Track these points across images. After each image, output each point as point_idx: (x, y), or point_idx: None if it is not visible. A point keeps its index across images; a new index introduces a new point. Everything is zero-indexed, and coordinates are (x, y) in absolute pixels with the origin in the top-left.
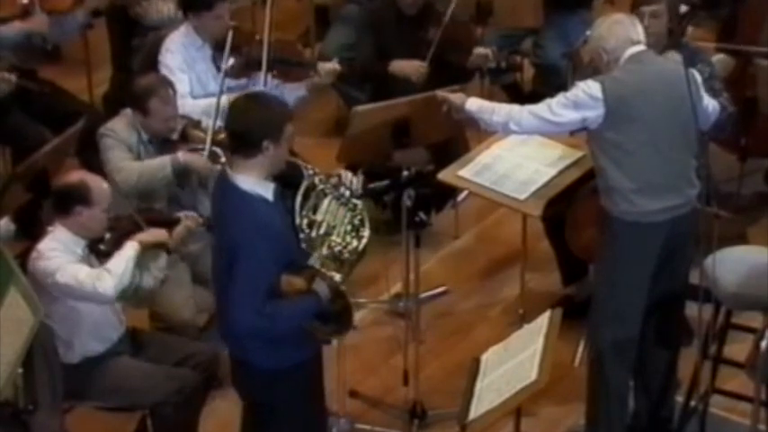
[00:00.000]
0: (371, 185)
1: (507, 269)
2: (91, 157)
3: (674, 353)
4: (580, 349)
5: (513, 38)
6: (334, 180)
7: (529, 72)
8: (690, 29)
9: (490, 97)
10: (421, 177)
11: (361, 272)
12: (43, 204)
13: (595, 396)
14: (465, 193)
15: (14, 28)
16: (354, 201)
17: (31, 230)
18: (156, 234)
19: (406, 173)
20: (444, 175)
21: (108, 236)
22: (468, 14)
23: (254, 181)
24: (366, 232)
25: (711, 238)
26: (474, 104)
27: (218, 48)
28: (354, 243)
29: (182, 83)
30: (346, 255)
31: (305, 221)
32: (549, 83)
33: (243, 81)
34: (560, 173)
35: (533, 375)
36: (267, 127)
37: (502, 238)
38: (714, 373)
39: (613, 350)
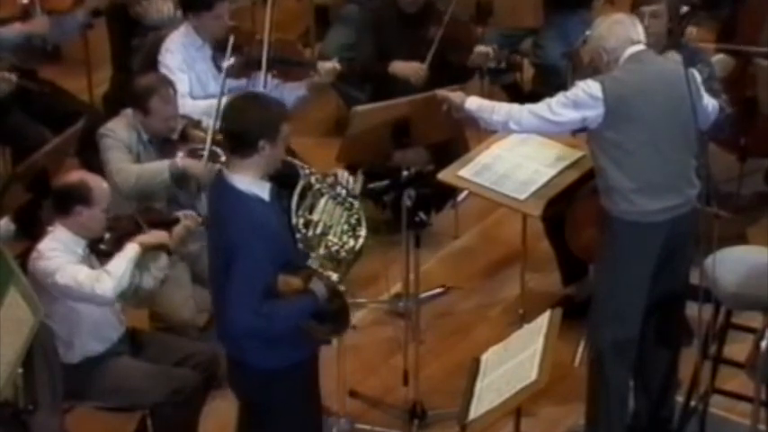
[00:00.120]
0: (371, 185)
1: (507, 269)
2: (91, 157)
3: (674, 353)
4: (580, 349)
5: (513, 38)
6: (330, 180)
7: (529, 72)
8: (694, 30)
9: (490, 97)
10: (421, 177)
11: (361, 272)
12: (43, 204)
13: (595, 396)
14: (465, 193)
15: (15, 29)
16: (351, 200)
17: (31, 230)
18: (156, 236)
19: (406, 173)
20: (444, 175)
21: (108, 236)
22: (468, 14)
23: (250, 181)
24: (363, 232)
25: (711, 238)
26: (474, 103)
27: (217, 48)
28: (351, 242)
29: (181, 83)
30: (343, 254)
31: (301, 221)
32: (548, 83)
33: (243, 81)
34: (560, 173)
35: (533, 375)
36: (263, 127)
37: (502, 238)
38: (714, 373)
39: (613, 350)
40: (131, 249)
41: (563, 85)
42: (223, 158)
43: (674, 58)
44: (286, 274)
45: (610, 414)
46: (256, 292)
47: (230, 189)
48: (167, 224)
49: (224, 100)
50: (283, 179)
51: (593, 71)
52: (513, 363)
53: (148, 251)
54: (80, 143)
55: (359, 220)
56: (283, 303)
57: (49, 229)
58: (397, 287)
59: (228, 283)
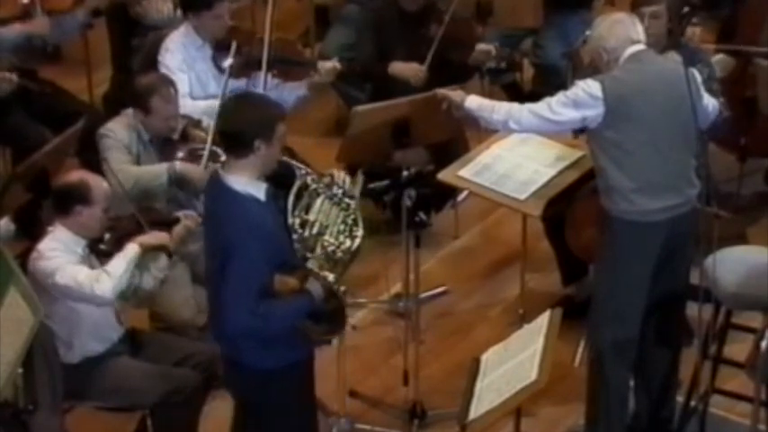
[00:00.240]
0: (371, 185)
1: (507, 269)
2: (91, 157)
3: (674, 353)
4: (580, 349)
5: (513, 38)
6: (326, 180)
7: (529, 72)
8: (697, 30)
9: (490, 97)
10: (421, 177)
11: (361, 272)
12: (43, 204)
13: (595, 396)
14: (465, 193)
15: (15, 30)
16: (347, 200)
17: (31, 230)
18: (157, 236)
19: (406, 173)
20: (444, 175)
21: (108, 236)
22: (468, 14)
23: (246, 181)
24: (359, 232)
25: (711, 238)
26: (474, 102)
27: (218, 47)
28: (348, 243)
29: (181, 83)
30: (339, 254)
31: (297, 221)
32: (548, 83)
33: (243, 81)
34: (560, 173)
35: (533, 375)
36: (259, 127)
37: (502, 238)
38: (714, 373)
39: (613, 350)
40: (131, 249)
41: (563, 85)
42: (224, 158)
43: (674, 58)
44: (282, 274)
45: (610, 414)
46: (252, 293)
47: (226, 189)
48: (167, 224)
49: None
50: (280, 179)
51: (593, 71)
52: (513, 363)
53: (148, 251)
54: (80, 143)
55: (355, 221)
56: (279, 303)
57: (49, 229)
58: (397, 287)
59: (224, 283)
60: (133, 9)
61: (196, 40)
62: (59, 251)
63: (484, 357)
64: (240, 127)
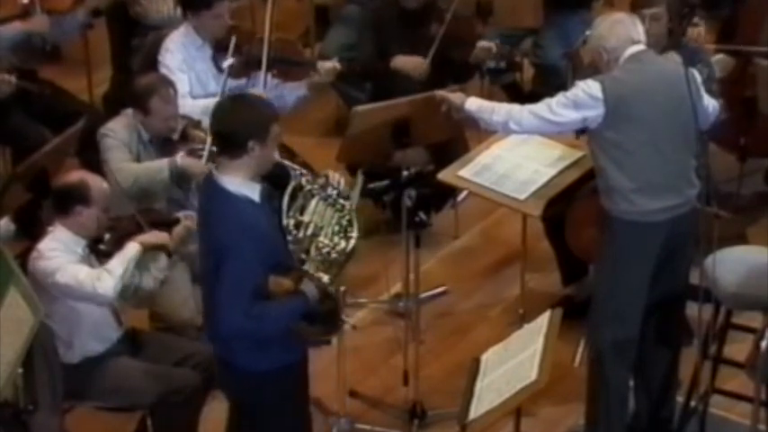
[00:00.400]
0: (371, 185)
1: (507, 269)
2: (91, 157)
3: (674, 353)
4: (580, 349)
5: (513, 38)
6: (321, 181)
7: (529, 72)
8: (702, 30)
9: (490, 97)
10: (421, 177)
11: (361, 272)
12: (43, 204)
13: (595, 396)
14: (465, 193)
15: (14, 28)
16: (342, 201)
17: (31, 230)
18: (157, 236)
19: (406, 173)
20: (444, 175)
21: (108, 236)
22: (468, 13)
23: (240, 182)
24: (354, 233)
25: (711, 238)
26: (474, 104)
27: (217, 47)
28: (342, 244)
29: (181, 83)
30: (334, 255)
31: (292, 222)
32: (548, 83)
33: (243, 80)
34: (560, 173)
35: (533, 375)
36: (252, 127)
37: (502, 238)
38: (714, 373)
39: (613, 350)
40: (132, 248)
41: (563, 86)
42: None
43: (674, 58)
44: (277, 275)
45: (610, 414)
46: (246, 294)
47: (220, 190)
48: (167, 224)
49: None
50: (276, 180)
51: (593, 71)
52: (513, 363)
53: (148, 251)
54: (80, 143)
55: (350, 222)
56: (274, 305)
57: (49, 229)
58: (397, 287)
59: (218, 284)
60: (133, 9)
61: (196, 40)
62: (59, 251)
63: (484, 357)
64: (234, 127)
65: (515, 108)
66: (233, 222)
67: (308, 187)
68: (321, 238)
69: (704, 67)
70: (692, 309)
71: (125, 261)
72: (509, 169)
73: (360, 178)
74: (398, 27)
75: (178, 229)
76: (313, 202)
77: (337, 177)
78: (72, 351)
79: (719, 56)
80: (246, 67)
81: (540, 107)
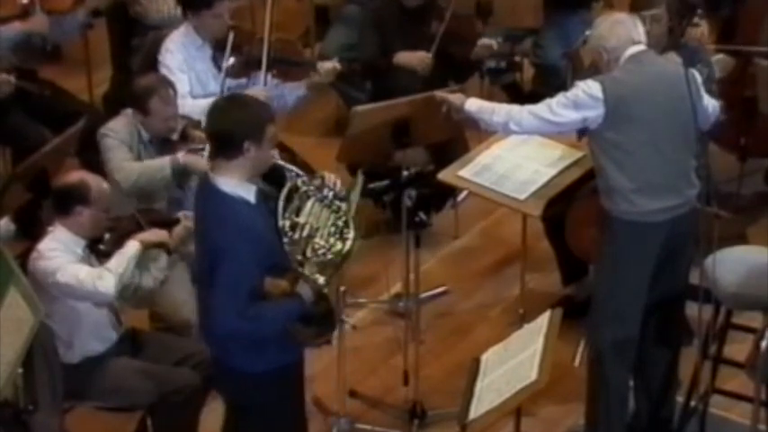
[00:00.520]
0: (371, 185)
1: (507, 269)
2: (91, 157)
3: (674, 353)
4: (580, 349)
5: (513, 38)
6: (317, 182)
7: (529, 72)
8: (705, 30)
9: (490, 97)
10: (421, 177)
11: (361, 272)
12: (43, 204)
13: (595, 396)
14: (465, 193)
15: (14, 28)
16: (338, 203)
17: (31, 230)
18: (157, 234)
19: (406, 173)
20: (444, 175)
21: (108, 236)
22: (468, 12)
23: (235, 183)
24: (351, 234)
25: (711, 238)
26: (473, 105)
27: (217, 47)
28: (339, 245)
29: (181, 83)
30: (330, 257)
31: (288, 224)
32: (548, 83)
33: (243, 80)
34: (560, 173)
35: (533, 375)
36: (248, 128)
37: (502, 238)
38: (714, 373)
39: (613, 350)
40: (132, 247)
41: (563, 86)
42: None
43: (674, 59)
44: (272, 276)
45: (610, 414)
46: (242, 295)
47: (215, 191)
48: (167, 224)
49: None
50: (272, 177)
51: (594, 72)
52: (513, 363)
53: (148, 250)
54: (80, 143)
55: (346, 223)
56: (269, 306)
57: (49, 229)
58: (397, 287)
59: (214, 285)
60: (133, 9)
61: (196, 40)
62: (59, 251)
63: (484, 357)
64: (229, 128)
65: (515, 108)
66: (229, 224)
67: (304, 188)
68: (317, 240)
69: (704, 67)
70: (692, 309)
71: (125, 260)
72: (509, 169)
73: (360, 178)
74: (399, 25)
75: (178, 229)
76: (309, 204)
77: (333, 178)
78: (72, 351)
79: (719, 56)
80: (246, 67)
81: (540, 107)
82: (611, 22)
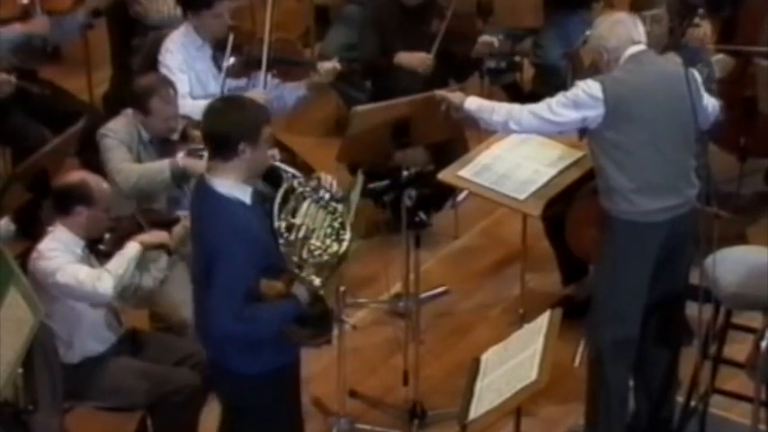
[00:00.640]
0: (371, 185)
1: (507, 269)
2: (91, 157)
3: (674, 353)
4: (580, 349)
5: (513, 37)
6: (313, 183)
7: (529, 72)
8: (708, 30)
9: (490, 97)
10: (421, 177)
11: (361, 272)
12: (43, 204)
13: (595, 396)
14: (465, 193)
15: (15, 30)
16: (334, 204)
17: (31, 230)
18: (157, 235)
19: (406, 173)
20: (444, 175)
21: (108, 236)
22: (469, 10)
23: (231, 184)
24: (347, 236)
25: (711, 238)
26: (473, 103)
27: (218, 47)
28: (335, 247)
29: (181, 83)
30: (326, 258)
31: (283, 225)
32: (548, 83)
33: (243, 80)
34: (560, 173)
35: (533, 375)
36: (243, 129)
37: (502, 238)
38: (714, 373)
39: (613, 350)
40: (132, 248)
41: (563, 85)
42: None
43: (674, 59)
44: (268, 278)
45: (610, 414)
46: (237, 297)
47: (211, 193)
48: (167, 224)
49: None
50: (276, 180)
51: (594, 72)
52: (513, 363)
53: (149, 250)
54: (80, 143)
55: (342, 224)
56: (265, 308)
57: (49, 229)
58: (397, 287)
59: (210, 287)
60: (133, 9)
61: (196, 40)
62: (59, 251)
63: (484, 357)
64: (225, 130)
65: (515, 108)
66: (224, 225)
67: (300, 189)
68: (313, 241)
69: (704, 67)
70: (692, 309)
71: (125, 261)
72: (509, 169)
73: (360, 178)
74: (399, 24)
75: (178, 229)
76: (305, 205)
77: (330, 180)
78: (72, 351)
79: (719, 56)
80: (246, 67)
81: (540, 107)
82: (612, 21)
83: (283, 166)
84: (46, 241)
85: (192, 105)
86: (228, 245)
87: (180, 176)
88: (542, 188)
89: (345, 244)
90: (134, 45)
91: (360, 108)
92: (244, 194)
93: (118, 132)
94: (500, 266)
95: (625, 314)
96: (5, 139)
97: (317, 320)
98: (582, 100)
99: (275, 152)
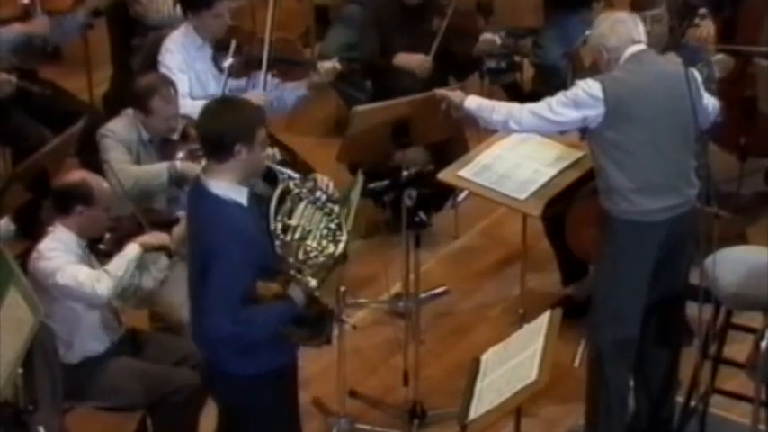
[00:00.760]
0: (371, 185)
1: (507, 269)
2: (91, 157)
3: (674, 353)
4: (580, 349)
5: (513, 36)
6: (309, 184)
7: (529, 72)
8: (712, 30)
9: (490, 97)
10: (421, 177)
11: (361, 272)
12: (43, 204)
13: (595, 396)
14: (465, 193)
15: (15, 30)
16: (330, 205)
17: (31, 230)
18: (158, 237)
19: (406, 173)
20: (444, 175)
21: (108, 236)
22: (469, 8)
23: (227, 186)
24: (343, 237)
25: (711, 238)
26: (473, 102)
27: (218, 47)
28: (331, 248)
29: (181, 83)
30: (322, 259)
31: (280, 226)
32: (548, 83)
33: (243, 80)
34: (560, 173)
35: (533, 375)
36: (239, 131)
37: (502, 238)
38: (714, 373)
39: (613, 350)
40: (132, 250)
41: (563, 85)
42: None
43: (674, 59)
44: (264, 279)
45: (610, 414)
46: (234, 298)
47: (207, 194)
48: (167, 224)
49: None
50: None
51: (594, 72)
52: (513, 363)
53: (149, 251)
54: (80, 143)
55: (339, 225)
56: (261, 309)
57: (49, 229)
58: (397, 287)
59: (206, 288)
60: (133, 9)
61: (196, 40)
62: (59, 251)
63: (484, 357)
64: (220, 131)
65: (515, 107)
66: (221, 226)
67: (296, 191)
68: (309, 242)
69: (704, 66)
70: (692, 309)
71: (125, 262)
72: (509, 169)
73: (360, 178)
74: (400, 23)
75: (178, 230)
76: (301, 206)
77: (326, 181)
78: (72, 351)
79: (719, 56)
80: (246, 67)
81: (541, 106)
82: (612, 21)
83: (279, 167)
84: (46, 241)
85: (192, 105)
86: (225, 246)
87: (178, 180)
88: (542, 188)
89: (342, 245)
90: (134, 45)
91: (360, 108)
92: (240, 196)
93: (118, 132)
94: (500, 266)
95: (625, 314)
96: (5, 139)
97: (314, 321)
98: (582, 99)
99: (276, 152)
